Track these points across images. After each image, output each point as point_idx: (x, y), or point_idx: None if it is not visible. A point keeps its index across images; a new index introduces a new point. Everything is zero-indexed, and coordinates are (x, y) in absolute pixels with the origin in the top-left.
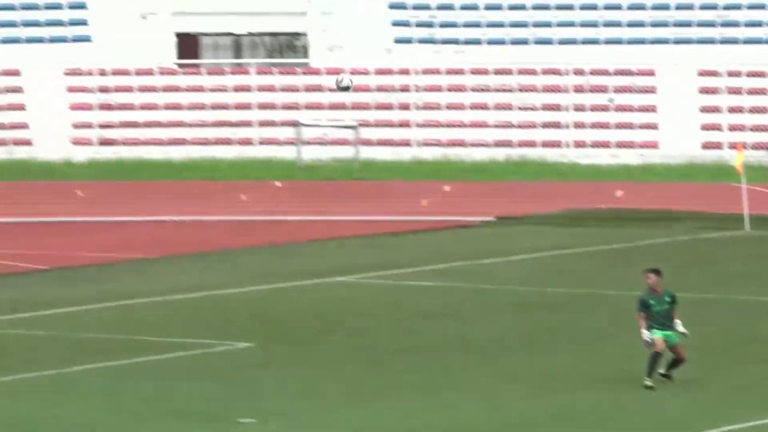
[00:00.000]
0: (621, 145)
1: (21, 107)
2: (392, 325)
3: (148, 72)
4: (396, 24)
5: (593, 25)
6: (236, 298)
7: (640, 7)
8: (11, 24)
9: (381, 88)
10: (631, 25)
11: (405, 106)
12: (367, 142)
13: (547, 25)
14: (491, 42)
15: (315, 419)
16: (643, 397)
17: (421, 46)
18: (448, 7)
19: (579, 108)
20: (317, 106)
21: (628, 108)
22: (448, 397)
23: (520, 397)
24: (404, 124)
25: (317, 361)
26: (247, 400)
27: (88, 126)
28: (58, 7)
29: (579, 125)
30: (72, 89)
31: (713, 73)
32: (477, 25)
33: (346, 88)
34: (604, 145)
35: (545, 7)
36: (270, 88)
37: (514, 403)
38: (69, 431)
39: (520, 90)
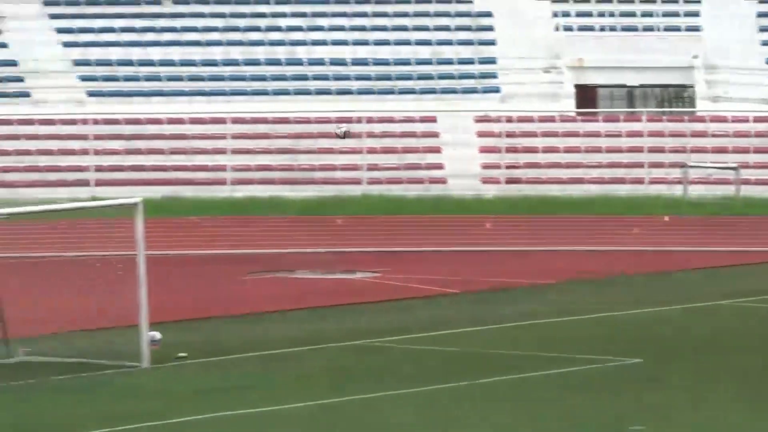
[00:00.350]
0: None
1: (437, 150)
2: None
3: (550, 119)
4: None
5: None
6: (629, 319)
7: None
8: (429, 77)
9: (759, 134)
10: None
11: None
12: (747, 182)
13: None
14: None
15: (698, 426)
16: None
17: None
18: None
19: None
20: (702, 150)
21: None
22: None
23: None
24: None
25: (700, 376)
26: (637, 410)
27: (496, 167)
28: (470, 62)
29: None
30: (481, 134)
31: None
32: None
33: (344, 135)
34: None
35: None
36: (659, 134)
37: None
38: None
39: None
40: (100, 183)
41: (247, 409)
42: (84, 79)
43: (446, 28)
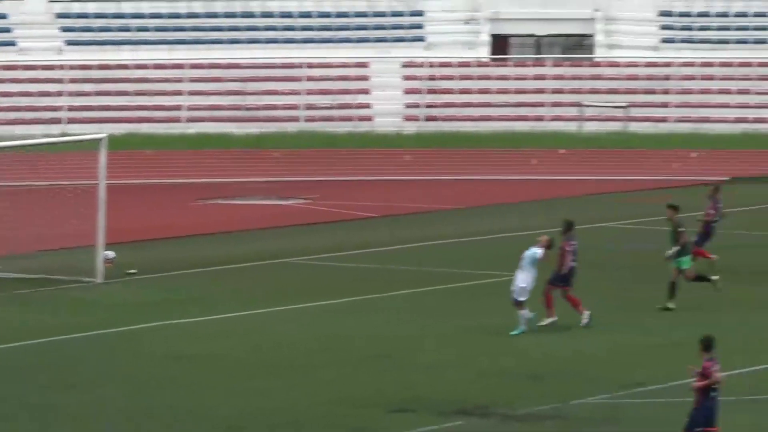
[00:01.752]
0: None
1: (366, 92)
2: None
3: (467, 65)
4: (663, 28)
5: None
6: (522, 240)
7: None
8: (363, 28)
9: (648, 77)
10: None
11: (665, 91)
12: (634, 119)
13: None
14: (738, 41)
15: (573, 329)
16: None
17: (682, 45)
18: (706, 15)
19: None
20: (597, 91)
21: None
22: (680, 314)
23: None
24: (664, 105)
25: (597, 288)
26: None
27: (417, 106)
28: (400, 14)
29: None
30: (406, 78)
31: None
32: (728, 28)
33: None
34: None
35: None
36: (561, 77)
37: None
38: (372, 339)
39: (758, 79)
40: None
41: (187, 319)
42: (64, 30)
43: None
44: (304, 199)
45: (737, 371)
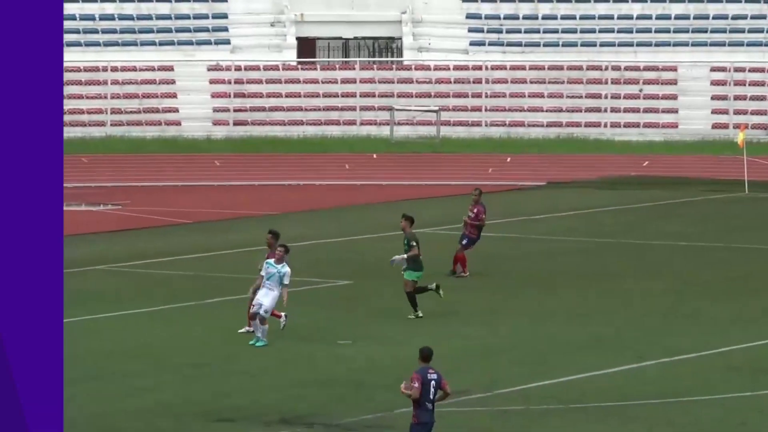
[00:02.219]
0: (648, 125)
1: (173, 95)
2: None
3: (275, 68)
4: (471, 30)
5: (629, 31)
6: (339, 246)
7: (667, 17)
8: (168, 30)
9: (458, 81)
10: (658, 31)
11: (477, 95)
12: (446, 123)
13: (592, 31)
14: (547, 44)
15: (396, 337)
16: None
17: (491, 47)
18: (514, 17)
19: (615, 96)
20: (408, 95)
21: (654, 96)
22: (502, 320)
23: (560, 321)
24: (476, 109)
25: (400, 294)
26: (345, 325)
27: (226, 110)
28: (204, 17)
29: (615, 110)
30: (213, 81)
31: (723, 69)
32: (537, 31)
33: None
34: (635, 125)
35: (591, 17)
36: (371, 81)
37: (554, 326)
38: (188, 347)
39: (569, 82)
40: None
41: None
42: None
43: None
44: (115, 205)
45: (559, 380)
